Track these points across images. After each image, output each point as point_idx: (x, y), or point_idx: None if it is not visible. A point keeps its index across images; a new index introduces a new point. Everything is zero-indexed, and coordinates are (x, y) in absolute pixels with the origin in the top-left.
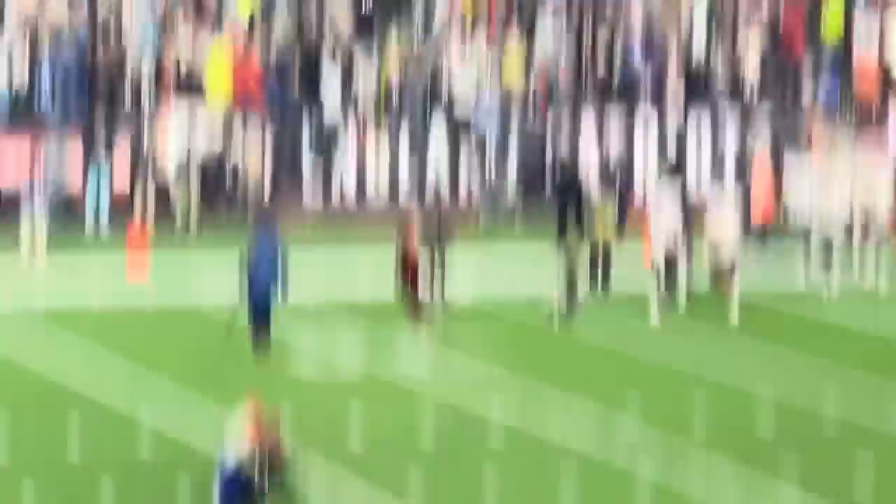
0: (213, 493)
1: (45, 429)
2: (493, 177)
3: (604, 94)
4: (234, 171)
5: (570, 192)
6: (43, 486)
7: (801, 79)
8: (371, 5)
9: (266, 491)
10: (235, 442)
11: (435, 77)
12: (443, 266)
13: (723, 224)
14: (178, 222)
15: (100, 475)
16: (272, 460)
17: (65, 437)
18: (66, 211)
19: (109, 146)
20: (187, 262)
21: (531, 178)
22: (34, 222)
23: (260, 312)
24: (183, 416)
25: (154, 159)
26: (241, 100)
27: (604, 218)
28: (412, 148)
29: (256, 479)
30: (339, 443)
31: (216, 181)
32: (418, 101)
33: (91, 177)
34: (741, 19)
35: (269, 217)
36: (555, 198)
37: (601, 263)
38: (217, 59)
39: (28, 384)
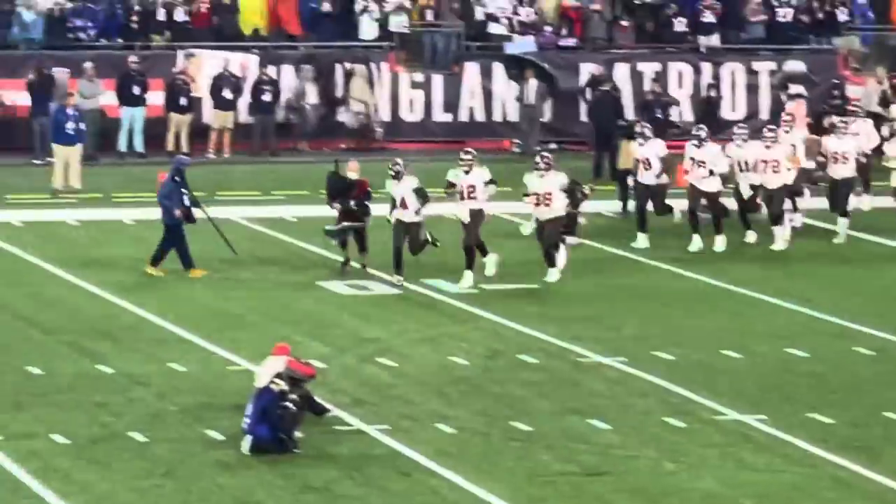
0: (247, 406)
1: None
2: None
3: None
4: None
5: None
6: None
7: None
8: None
9: (295, 405)
10: (267, 367)
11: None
12: None
13: None
14: None
15: None
16: (298, 379)
17: None
18: None
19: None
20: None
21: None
22: None
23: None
24: None
25: None
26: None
27: None
28: None
29: (287, 392)
30: None
31: None
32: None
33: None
34: None
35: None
36: None
37: None
38: None
39: None
